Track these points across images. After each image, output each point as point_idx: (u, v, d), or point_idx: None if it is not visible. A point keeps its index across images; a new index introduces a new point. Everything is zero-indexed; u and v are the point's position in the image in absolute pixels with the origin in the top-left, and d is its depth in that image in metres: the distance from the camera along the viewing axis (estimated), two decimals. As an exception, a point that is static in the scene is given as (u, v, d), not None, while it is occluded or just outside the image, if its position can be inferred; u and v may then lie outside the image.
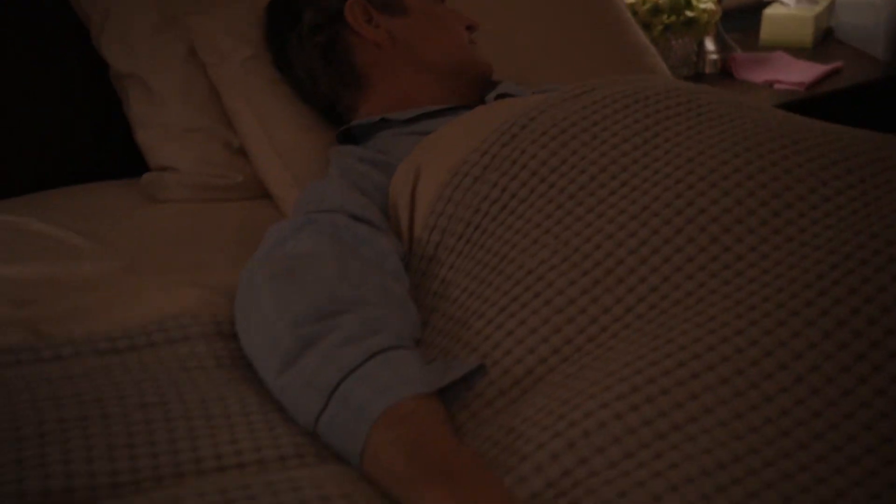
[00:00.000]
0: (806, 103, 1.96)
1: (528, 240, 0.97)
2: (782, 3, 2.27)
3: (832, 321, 0.77)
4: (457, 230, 1.04)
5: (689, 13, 1.98)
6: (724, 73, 2.10)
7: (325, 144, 1.40)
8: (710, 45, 2.12)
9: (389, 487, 0.72)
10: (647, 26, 1.96)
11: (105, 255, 1.20)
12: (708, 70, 2.10)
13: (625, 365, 0.79)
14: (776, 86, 2.03)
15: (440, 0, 1.44)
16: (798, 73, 2.07)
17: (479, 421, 0.81)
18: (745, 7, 2.36)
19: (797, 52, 2.18)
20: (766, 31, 2.24)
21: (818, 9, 2.24)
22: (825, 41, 2.26)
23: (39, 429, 0.75)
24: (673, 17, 1.98)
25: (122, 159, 1.53)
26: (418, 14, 1.37)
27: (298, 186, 1.37)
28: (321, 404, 0.79)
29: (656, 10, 1.98)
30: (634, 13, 1.95)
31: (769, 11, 2.25)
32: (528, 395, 0.81)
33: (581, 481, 0.70)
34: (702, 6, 1.99)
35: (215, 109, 1.46)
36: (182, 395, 0.82)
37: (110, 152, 1.56)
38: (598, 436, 0.72)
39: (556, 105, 1.11)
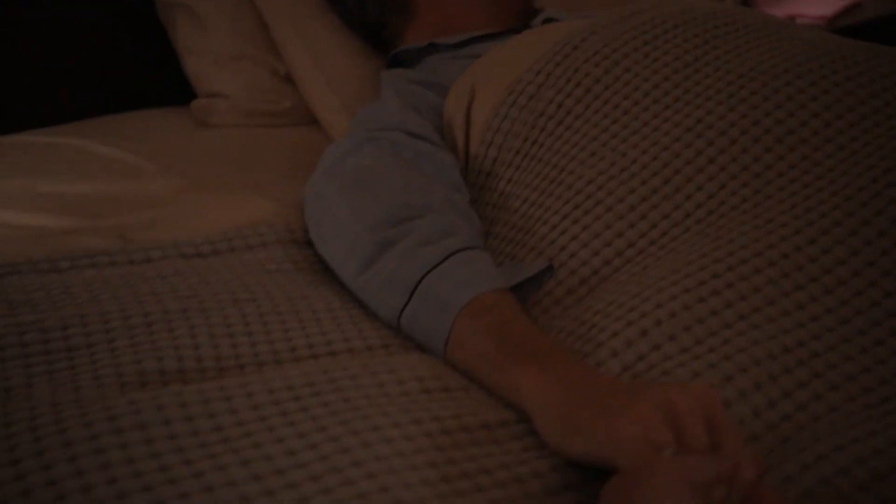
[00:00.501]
0: (830, 36, 1.98)
1: (585, 153, 1.01)
2: (806, -63, 2.29)
3: (887, 220, 0.82)
4: (514, 146, 1.08)
5: (717, -54, 2.00)
6: (746, 5, 2.13)
7: (372, 70, 1.44)
8: (733, -21, 2.14)
9: (476, 371, 0.77)
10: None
11: (167, 174, 1.25)
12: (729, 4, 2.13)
13: (689, 263, 0.84)
14: (798, 20, 2.05)
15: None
16: (820, 7, 2.09)
17: (551, 316, 0.87)
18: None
19: (820, -15, 2.20)
20: (790, -35, 2.26)
21: (842, -58, 2.25)
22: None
23: (146, 319, 0.80)
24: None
25: (167, 88, 1.57)
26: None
27: (346, 112, 1.41)
28: (403, 300, 0.84)
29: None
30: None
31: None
32: (597, 293, 0.87)
33: (656, 364, 0.75)
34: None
35: (262, 37, 1.50)
36: (269, 293, 0.88)
37: (155, 81, 1.60)
38: (669, 325, 0.78)
39: (607, 26, 1.14)
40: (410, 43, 1.38)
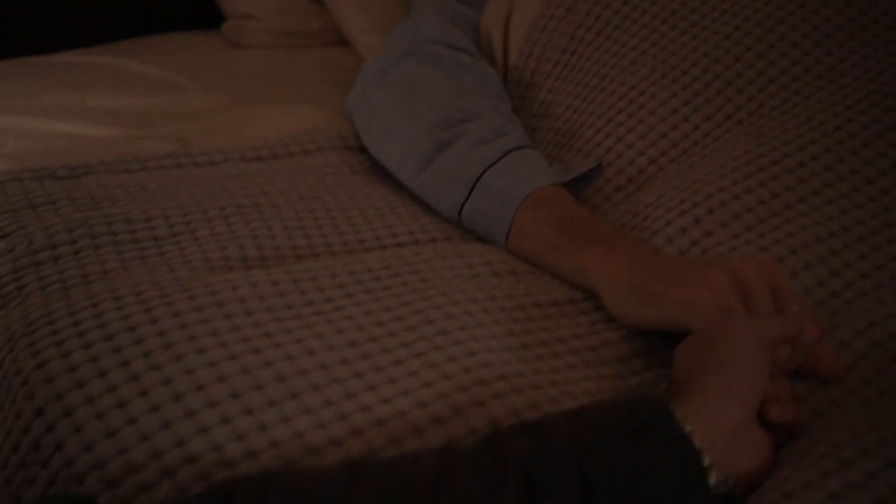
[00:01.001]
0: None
1: (626, 61, 1.05)
2: None
3: (924, 115, 0.86)
4: (553, 57, 1.12)
5: None
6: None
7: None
8: None
9: (539, 257, 0.82)
10: None
11: (207, 90, 1.28)
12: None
13: (734, 158, 0.88)
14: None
15: None
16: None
17: (602, 212, 0.91)
18: None
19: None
20: None
21: None
22: None
23: (222, 212, 0.84)
24: None
25: (194, 11, 1.59)
26: None
27: (376, 31, 1.44)
28: (464, 195, 0.88)
29: None
30: None
31: None
32: (645, 189, 0.91)
33: (709, 249, 0.80)
34: None
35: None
36: (332, 192, 0.92)
37: (181, 4, 1.61)
38: (720, 213, 0.82)
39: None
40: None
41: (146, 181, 0.90)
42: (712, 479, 0.55)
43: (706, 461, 0.54)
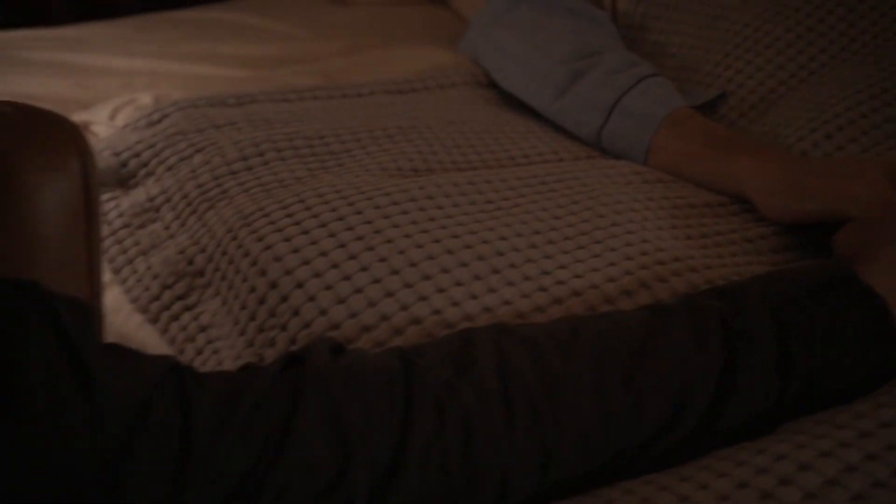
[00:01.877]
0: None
1: (737, 0, 1.11)
2: None
3: None
4: (661, 0, 1.18)
5: None
6: None
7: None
8: None
9: (682, 169, 0.89)
10: None
11: (323, 39, 1.36)
12: None
13: (856, 81, 0.95)
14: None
15: None
16: None
17: (729, 133, 0.98)
18: None
19: None
20: None
21: None
22: None
23: (385, 132, 0.92)
24: None
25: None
26: None
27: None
28: (602, 118, 0.95)
29: None
30: None
31: None
32: (770, 113, 0.98)
33: (840, 160, 0.87)
34: None
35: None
36: (476, 118, 0.99)
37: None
38: (850, 130, 0.89)
39: None
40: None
41: (306, 108, 0.98)
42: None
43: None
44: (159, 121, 0.94)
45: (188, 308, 0.75)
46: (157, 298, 0.77)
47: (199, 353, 0.73)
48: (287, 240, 0.72)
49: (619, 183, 0.84)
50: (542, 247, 0.73)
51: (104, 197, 0.87)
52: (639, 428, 0.57)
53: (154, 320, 0.76)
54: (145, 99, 1.01)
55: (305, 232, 0.72)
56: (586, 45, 1.04)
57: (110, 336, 0.76)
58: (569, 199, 0.80)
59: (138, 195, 0.87)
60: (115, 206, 0.87)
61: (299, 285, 0.69)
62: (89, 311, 0.54)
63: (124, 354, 0.55)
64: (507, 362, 0.57)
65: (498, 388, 0.56)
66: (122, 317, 0.79)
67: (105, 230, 0.84)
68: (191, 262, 0.77)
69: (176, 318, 0.76)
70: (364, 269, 0.69)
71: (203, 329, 0.73)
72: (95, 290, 0.60)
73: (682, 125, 0.91)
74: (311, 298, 0.68)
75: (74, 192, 0.58)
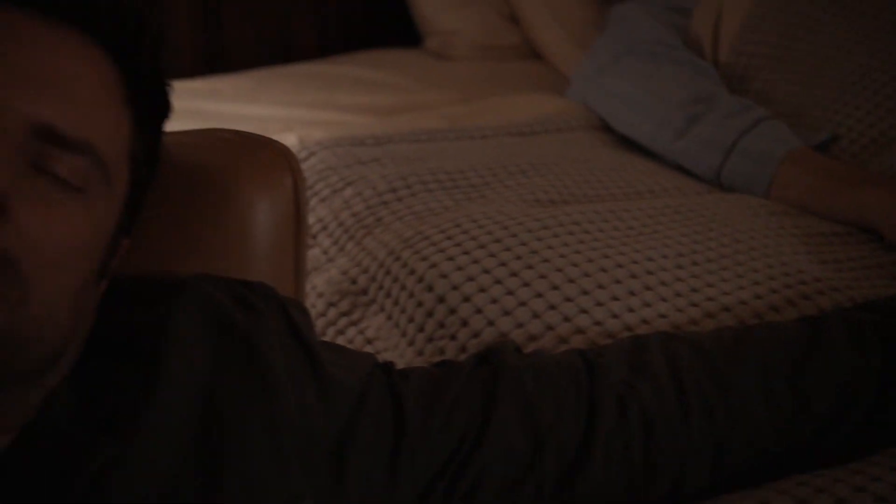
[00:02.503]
0: None
1: (841, 51, 1.17)
2: None
3: None
4: (765, 52, 1.24)
5: None
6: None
7: (595, 5, 1.61)
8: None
9: (806, 203, 0.94)
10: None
11: (436, 89, 1.44)
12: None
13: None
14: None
15: None
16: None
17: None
18: None
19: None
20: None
21: None
22: None
23: (518, 168, 0.98)
24: None
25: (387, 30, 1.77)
26: None
27: (572, 42, 1.58)
28: (722, 158, 1.01)
29: None
30: None
31: None
32: (882, 153, 1.03)
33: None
34: None
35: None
36: (597, 157, 1.05)
37: (378, 23, 1.80)
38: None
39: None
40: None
41: (440, 148, 1.05)
42: None
43: None
44: (307, 158, 1.01)
45: (353, 323, 0.81)
46: (322, 315, 0.83)
47: (367, 363, 0.78)
48: (450, 259, 0.78)
49: (746, 213, 0.89)
50: (688, 267, 0.78)
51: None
52: (805, 426, 0.61)
53: (321, 335, 0.82)
54: (290, 139, 1.08)
55: (466, 252, 0.78)
56: (698, 90, 1.10)
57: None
58: (704, 226, 0.85)
59: (293, 224, 0.94)
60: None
61: (466, 299, 0.74)
62: (307, 312, 0.60)
63: (337, 350, 0.61)
64: (678, 363, 0.62)
65: (672, 386, 0.61)
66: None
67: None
68: (354, 282, 0.83)
69: (342, 332, 0.82)
70: (526, 284, 0.74)
71: (369, 342, 0.79)
72: (300, 293, 0.66)
73: (804, 162, 0.96)
74: (479, 311, 0.73)
75: (286, 207, 0.65)
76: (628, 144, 1.14)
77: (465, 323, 0.73)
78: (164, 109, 0.57)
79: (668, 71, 1.17)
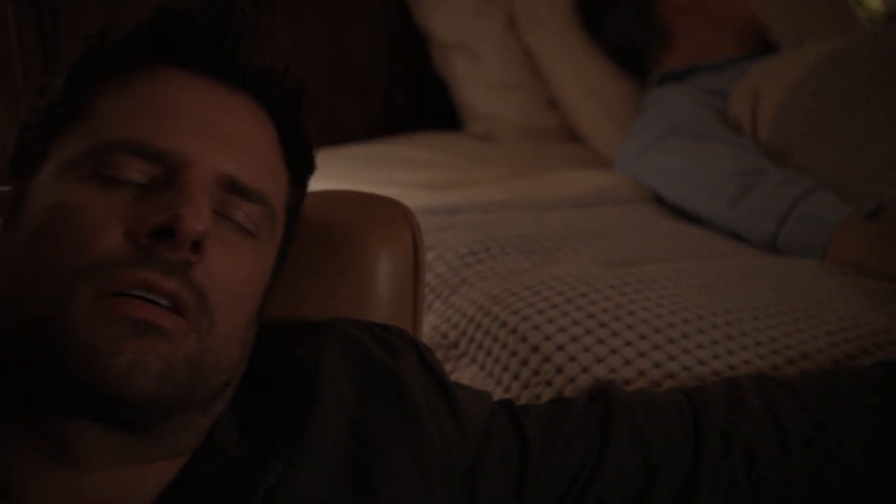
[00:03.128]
0: None
1: (877, 127, 1.24)
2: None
3: None
4: (802, 129, 1.32)
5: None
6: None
7: (631, 89, 1.70)
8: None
9: (861, 263, 0.99)
10: None
11: (487, 167, 1.52)
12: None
13: None
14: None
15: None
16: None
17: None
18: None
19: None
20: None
21: None
22: None
23: (587, 233, 1.05)
24: None
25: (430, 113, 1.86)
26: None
27: (612, 122, 1.67)
28: (777, 225, 1.08)
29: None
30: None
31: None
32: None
33: None
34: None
35: (528, 68, 1.78)
36: (656, 226, 1.12)
37: (422, 109, 1.89)
38: None
39: (867, 41, 1.39)
40: (665, 67, 1.65)
41: (507, 217, 1.11)
42: None
43: None
44: (384, 226, 1.07)
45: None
46: (416, 367, 0.88)
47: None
48: (541, 312, 0.83)
49: (808, 273, 0.95)
50: (764, 319, 0.83)
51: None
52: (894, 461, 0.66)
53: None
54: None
55: (555, 306, 0.84)
56: (746, 163, 1.17)
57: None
58: (772, 283, 0.91)
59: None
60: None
61: (560, 348, 0.79)
62: (432, 351, 0.65)
63: (462, 386, 0.66)
64: (772, 401, 0.67)
65: (770, 422, 0.66)
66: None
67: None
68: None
69: (436, 383, 0.86)
70: (615, 334, 0.80)
71: (464, 391, 0.84)
72: (418, 336, 0.71)
73: (857, 228, 1.03)
74: (573, 358, 0.78)
75: (405, 258, 0.70)
76: (680, 214, 1.20)
77: (559, 370, 0.78)
78: (310, 167, 0.63)
79: (713, 147, 1.25)
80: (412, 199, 1.33)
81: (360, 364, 0.60)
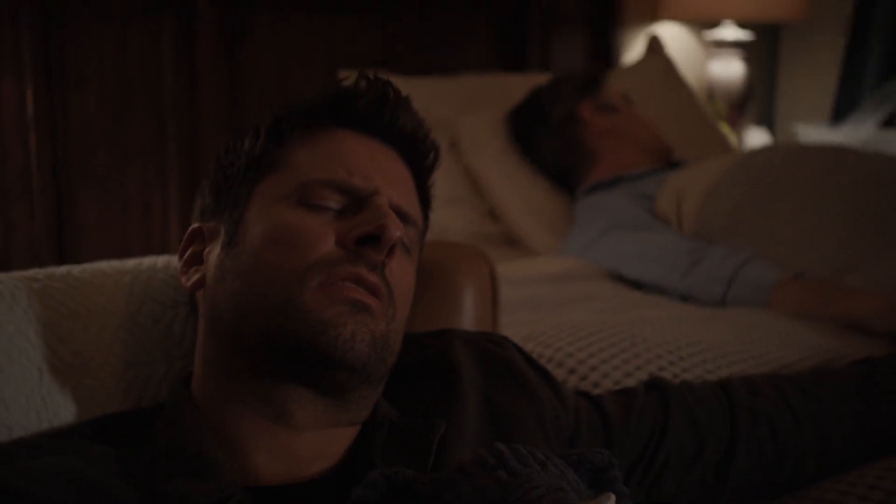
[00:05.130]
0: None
1: (783, 219, 1.51)
2: None
3: None
4: (721, 223, 1.58)
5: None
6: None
7: (562, 200, 1.94)
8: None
9: (799, 311, 1.22)
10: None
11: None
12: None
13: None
14: None
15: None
16: None
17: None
18: None
19: None
20: None
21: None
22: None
23: (567, 300, 1.24)
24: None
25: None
26: (623, 112, 1.96)
27: (546, 228, 1.90)
28: (725, 288, 1.30)
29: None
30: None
31: None
32: (840, 284, 1.34)
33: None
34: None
35: (470, 184, 2.00)
36: (627, 291, 1.33)
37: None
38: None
39: (755, 155, 1.69)
40: (593, 180, 1.91)
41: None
42: None
43: None
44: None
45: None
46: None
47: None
48: (570, 343, 1.02)
49: (761, 317, 1.18)
50: (744, 344, 1.05)
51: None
52: (877, 425, 0.86)
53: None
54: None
55: (581, 339, 1.03)
56: (688, 243, 1.42)
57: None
58: (737, 321, 1.13)
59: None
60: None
61: (594, 368, 0.98)
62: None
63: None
64: (780, 386, 0.87)
65: (783, 402, 0.85)
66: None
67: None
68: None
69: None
70: (637, 356, 0.99)
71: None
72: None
73: (791, 285, 1.27)
74: (606, 375, 0.97)
75: (485, 289, 0.88)
76: (637, 285, 1.42)
77: (596, 385, 0.96)
78: (430, 206, 0.81)
79: (656, 234, 1.49)
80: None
81: (479, 354, 0.77)
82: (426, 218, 0.80)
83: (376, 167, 0.73)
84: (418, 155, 0.78)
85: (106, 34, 1.75)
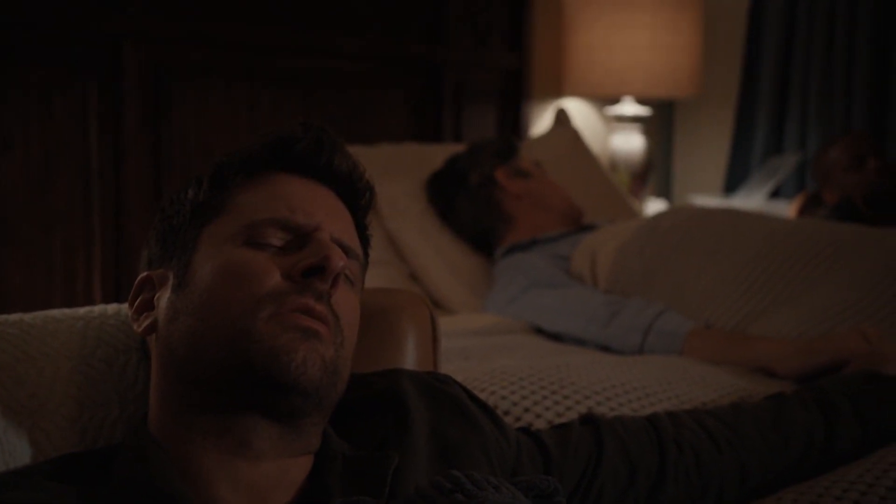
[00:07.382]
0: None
1: (691, 274, 1.61)
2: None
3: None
4: (634, 280, 1.68)
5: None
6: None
7: (480, 261, 2.02)
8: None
9: (710, 359, 1.31)
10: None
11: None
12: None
13: (806, 311, 1.43)
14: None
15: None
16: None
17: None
18: None
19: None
20: None
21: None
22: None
23: (495, 350, 1.30)
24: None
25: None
26: (537, 177, 2.06)
27: (466, 288, 1.96)
28: (641, 338, 1.38)
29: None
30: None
31: None
32: (748, 332, 1.43)
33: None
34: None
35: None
36: (548, 344, 1.39)
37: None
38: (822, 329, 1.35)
39: (663, 216, 1.80)
40: (510, 242, 1.99)
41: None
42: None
43: None
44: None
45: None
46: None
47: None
48: (503, 388, 1.07)
49: (679, 363, 1.25)
50: (667, 384, 1.11)
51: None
52: (790, 453, 0.93)
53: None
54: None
55: (513, 383, 1.08)
56: (605, 298, 1.50)
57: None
58: (659, 366, 1.20)
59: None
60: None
61: (527, 410, 1.03)
62: None
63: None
64: (701, 419, 0.93)
65: (704, 433, 0.92)
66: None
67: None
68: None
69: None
70: (566, 397, 1.05)
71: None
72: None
73: (701, 335, 1.35)
74: (539, 416, 1.02)
75: (426, 332, 0.93)
76: (558, 338, 1.49)
77: (530, 425, 1.01)
78: (369, 244, 0.85)
79: (574, 290, 1.56)
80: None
81: (426, 390, 0.81)
82: (366, 255, 0.84)
83: (317, 205, 0.77)
84: (355, 193, 0.82)
85: (31, 101, 1.77)
